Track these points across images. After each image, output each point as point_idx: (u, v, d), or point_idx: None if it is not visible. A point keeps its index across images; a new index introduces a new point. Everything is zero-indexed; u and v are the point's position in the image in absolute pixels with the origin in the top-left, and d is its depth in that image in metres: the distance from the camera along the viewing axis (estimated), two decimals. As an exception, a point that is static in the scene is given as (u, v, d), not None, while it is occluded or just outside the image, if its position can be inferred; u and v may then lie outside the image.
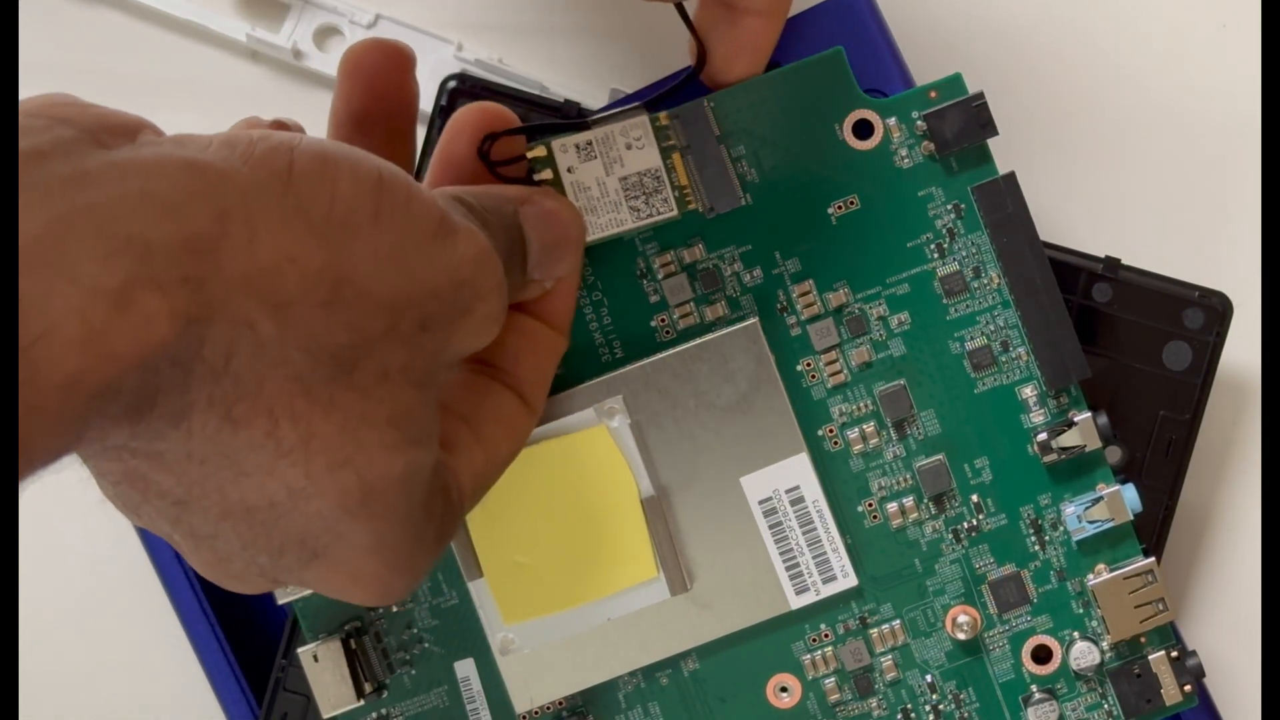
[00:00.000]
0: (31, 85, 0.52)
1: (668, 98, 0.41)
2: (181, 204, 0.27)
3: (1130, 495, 0.41)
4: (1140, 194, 0.51)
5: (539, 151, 0.40)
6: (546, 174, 0.40)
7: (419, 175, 0.44)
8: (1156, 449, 0.46)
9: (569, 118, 0.47)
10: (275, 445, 0.29)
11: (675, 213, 0.41)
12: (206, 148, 0.28)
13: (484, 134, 0.38)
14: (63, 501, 0.49)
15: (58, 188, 0.25)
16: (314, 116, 0.52)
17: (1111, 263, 0.46)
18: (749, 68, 0.41)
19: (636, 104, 0.41)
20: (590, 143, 0.40)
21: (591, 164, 0.40)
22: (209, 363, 0.28)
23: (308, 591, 0.42)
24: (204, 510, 0.30)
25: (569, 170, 0.40)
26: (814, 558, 0.42)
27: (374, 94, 0.36)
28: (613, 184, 0.41)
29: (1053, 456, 0.42)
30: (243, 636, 0.49)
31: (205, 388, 0.28)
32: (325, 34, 0.51)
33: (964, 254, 0.42)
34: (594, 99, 0.51)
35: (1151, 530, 0.46)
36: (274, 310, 0.28)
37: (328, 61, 0.51)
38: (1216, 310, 0.46)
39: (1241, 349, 0.49)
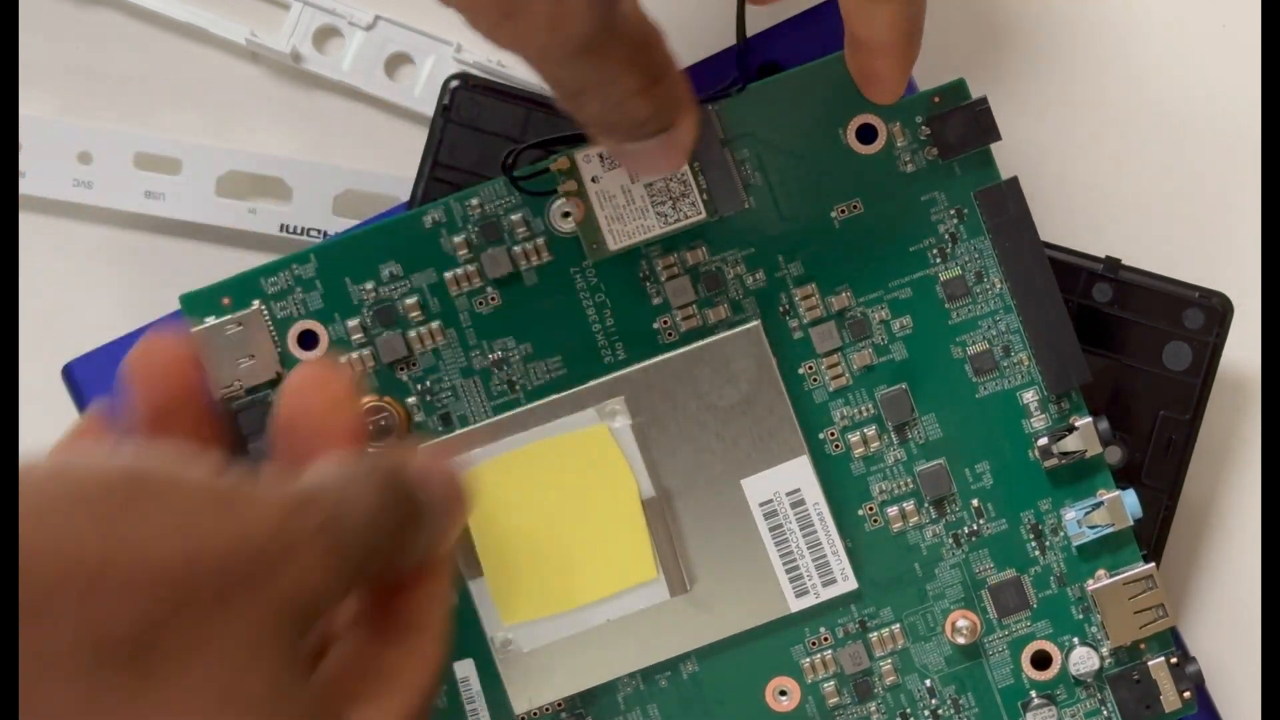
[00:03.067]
0: (32, 85, 0.52)
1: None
2: None
3: (1130, 501, 0.42)
4: (1140, 194, 0.51)
5: (562, 164, 0.40)
6: (571, 185, 0.40)
7: (426, 171, 0.45)
8: (1156, 449, 0.46)
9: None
10: None
11: (704, 216, 0.41)
12: None
13: (321, 389, 0.35)
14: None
15: None
16: (312, 117, 0.52)
17: (1112, 263, 0.46)
18: (881, 98, 0.41)
19: None
20: None
21: (616, 172, 0.40)
22: None
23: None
24: None
25: (593, 180, 0.40)
26: (814, 560, 0.42)
27: (164, 391, 0.35)
28: (639, 191, 0.41)
29: (1053, 461, 0.42)
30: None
31: None
32: (325, 35, 0.51)
33: (966, 258, 0.42)
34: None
35: (1151, 531, 0.46)
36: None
37: (326, 63, 0.51)
38: (1216, 310, 0.46)
39: (1241, 349, 0.49)
